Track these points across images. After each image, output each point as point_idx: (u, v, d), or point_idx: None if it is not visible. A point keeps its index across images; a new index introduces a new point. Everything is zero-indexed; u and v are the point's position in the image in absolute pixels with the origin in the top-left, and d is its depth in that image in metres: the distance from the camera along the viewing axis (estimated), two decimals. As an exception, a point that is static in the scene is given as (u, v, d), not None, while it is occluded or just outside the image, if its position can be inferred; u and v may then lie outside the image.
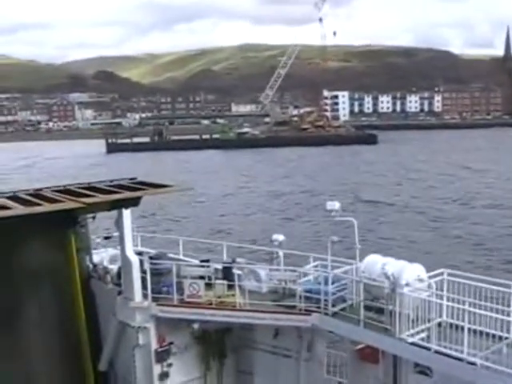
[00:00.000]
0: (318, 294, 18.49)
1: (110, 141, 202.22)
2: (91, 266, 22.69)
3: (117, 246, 21.96)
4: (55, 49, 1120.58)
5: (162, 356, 20.11)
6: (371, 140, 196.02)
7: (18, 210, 18.33)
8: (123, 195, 19.84)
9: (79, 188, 21.36)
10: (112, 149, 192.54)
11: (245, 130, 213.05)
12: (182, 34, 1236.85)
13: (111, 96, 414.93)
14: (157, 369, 20.10)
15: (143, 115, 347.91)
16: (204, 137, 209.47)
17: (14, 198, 20.36)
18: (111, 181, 22.21)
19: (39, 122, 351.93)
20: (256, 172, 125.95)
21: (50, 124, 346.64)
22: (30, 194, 20.67)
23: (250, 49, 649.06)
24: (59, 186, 21.77)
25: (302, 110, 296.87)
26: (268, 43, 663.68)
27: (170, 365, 20.26)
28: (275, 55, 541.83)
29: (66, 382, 21.70)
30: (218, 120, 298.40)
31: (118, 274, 21.30)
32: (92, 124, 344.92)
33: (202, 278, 20.26)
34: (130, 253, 20.14)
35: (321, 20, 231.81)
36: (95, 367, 21.94)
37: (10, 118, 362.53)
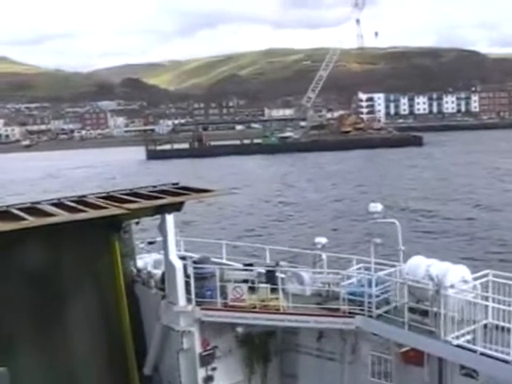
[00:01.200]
0: (362, 296, 18.45)
1: (149, 147, 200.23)
2: (135, 270, 22.93)
3: (160, 251, 22.16)
4: (81, 58, 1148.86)
5: (206, 360, 20.22)
6: (417, 142, 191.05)
7: (63, 216, 18.61)
8: (166, 200, 20.02)
9: (122, 194, 21.64)
10: (152, 156, 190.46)
11: (287, 134, 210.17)
12: (205, 40, 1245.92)
13: (139, 103, 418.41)
14: (201, 373, 20.20)
15: (176, 121, 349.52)
16: (245, 142, 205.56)
17: (59, 204, 20.71)
18: (154, 186, 22.47)
19: (72, 131, 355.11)
20: (303, 178, 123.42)
21: (83, 132, 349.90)
22: (75, 201, 20.96)
23: (274, 53, 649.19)
24: (102, 193, 22.10)
25: (335, 113, 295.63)
26: (292, 47, 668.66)
27: (214, 369, 20.36)
28: (300, 59, 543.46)
29: None
30: (253, 125, 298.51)
31: (162, 279, 21.43)
32: (125, 131, 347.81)
33: (245, 281, 20.35)
34: (173, 257, 20.30)
35: (358, 21, 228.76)
36: (140, 371, 22.12)
37: (43, 127, 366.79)
